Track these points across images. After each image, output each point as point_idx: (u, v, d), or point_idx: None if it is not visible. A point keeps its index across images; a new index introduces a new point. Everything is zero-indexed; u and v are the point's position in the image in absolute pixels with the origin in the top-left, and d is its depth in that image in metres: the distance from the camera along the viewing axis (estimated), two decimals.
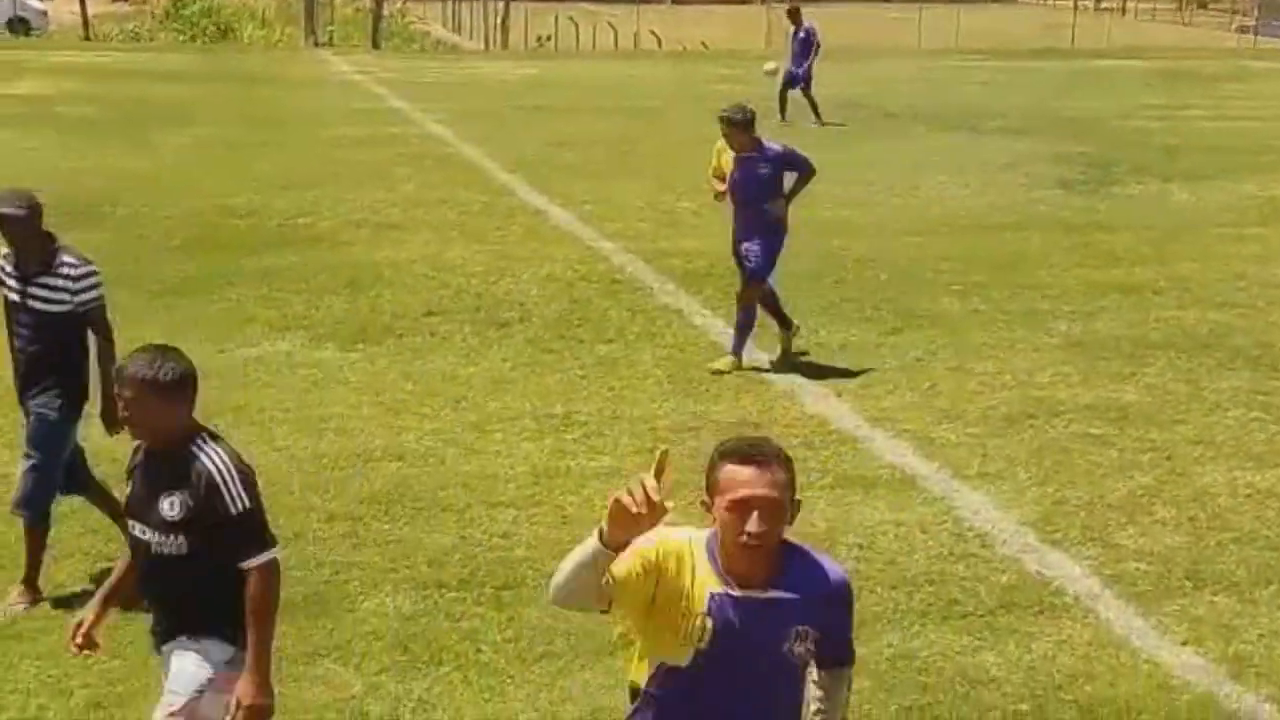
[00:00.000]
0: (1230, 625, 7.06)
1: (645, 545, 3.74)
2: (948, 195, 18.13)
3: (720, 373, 10.68)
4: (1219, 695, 6.41)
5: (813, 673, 4.04)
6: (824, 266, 14.02)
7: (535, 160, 20.29)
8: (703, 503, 3.85)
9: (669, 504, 3.57)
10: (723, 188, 11.03)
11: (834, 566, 3.97)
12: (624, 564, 3.73)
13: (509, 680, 6.47)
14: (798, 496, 3.87)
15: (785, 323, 11.20)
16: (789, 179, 10.94)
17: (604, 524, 3.62)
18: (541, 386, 10.44)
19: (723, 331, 11.70)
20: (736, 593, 3.80)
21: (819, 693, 4.07)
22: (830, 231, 15.48)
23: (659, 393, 10.33)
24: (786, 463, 3.83)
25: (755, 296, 10.91)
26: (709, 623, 3.79)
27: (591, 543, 3.65)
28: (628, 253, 14.40)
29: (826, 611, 3.90)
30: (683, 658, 3.83)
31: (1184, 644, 6.87)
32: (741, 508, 3.74)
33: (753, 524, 3.73)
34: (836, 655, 4.03)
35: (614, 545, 3.62)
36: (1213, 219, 16.81)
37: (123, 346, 11.19)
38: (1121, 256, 14.72)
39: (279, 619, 4.78)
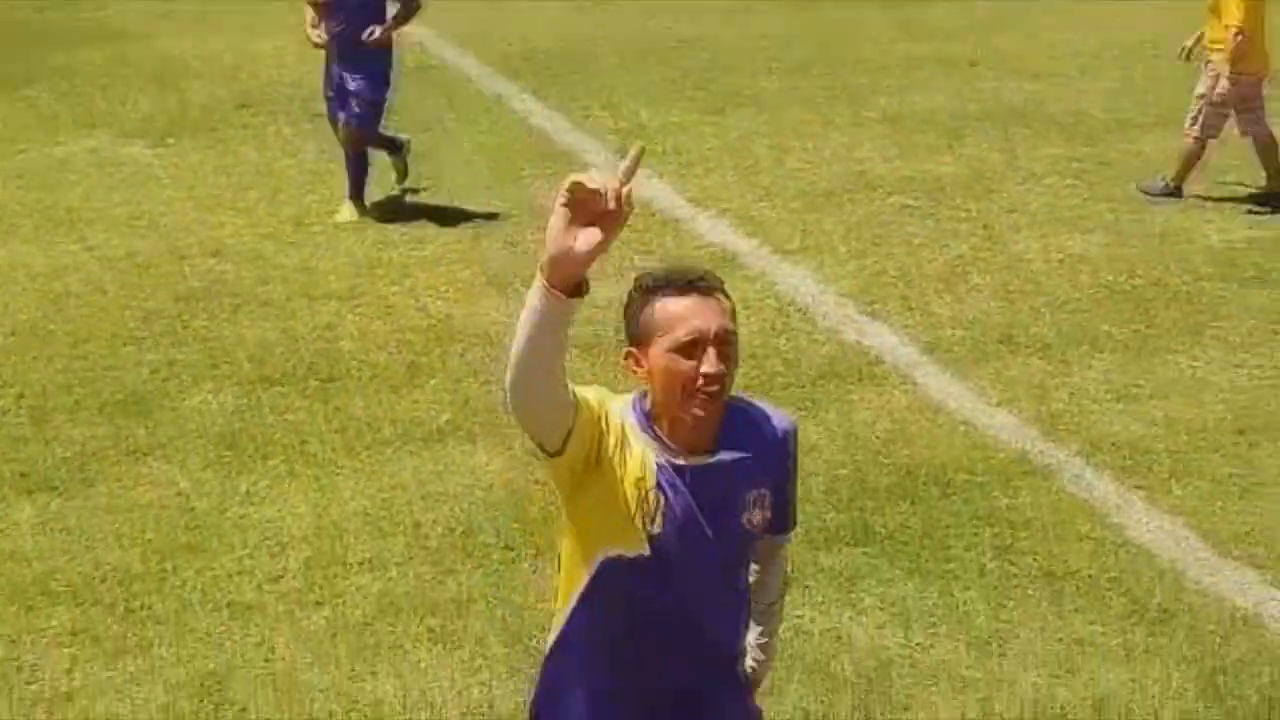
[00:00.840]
0: (1043, 386, 7.27)
1: (587, 391, 3.13)
2: None
3: (346, 223, 9.41)
4: (1032, 452, 6.63)
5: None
6: (647, 46, 13.88)
7: None
8: (628, 355, 3.16)
9: (631, 208, 2.80)
10: (314, 31, 9.47)
11: (780, 412, 3.37)
12: (578, 391, 3.09)
13: (337, 470, 6.46)
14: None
15: (395, 146, 9.91)
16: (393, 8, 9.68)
17: (543, 258, 2.82)
18: None
19: (545, 116, 11.62)
20: (683, 461, 3.15)
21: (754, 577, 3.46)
22: (652, 11, 15.29)
23: (480, 180, 10.21)
24: (726, 290, 3.20)
25: (362, 144, 9.60)
26: (661, 499, 3.13)
27: (537, 286, 2.85)
28: (440, 39, 14.07)
29: (780, 467, 3.32)
30: (634, 544, 3.15)
31: (998, 405, 7.08)
32: (694, 348, 3.07)
33: (710, 363, 3.07)
34: (781, 522, 3.38)
35: (558, 271, 2.80)
36: None
37: None
38: (938, 30, 14.77)
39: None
